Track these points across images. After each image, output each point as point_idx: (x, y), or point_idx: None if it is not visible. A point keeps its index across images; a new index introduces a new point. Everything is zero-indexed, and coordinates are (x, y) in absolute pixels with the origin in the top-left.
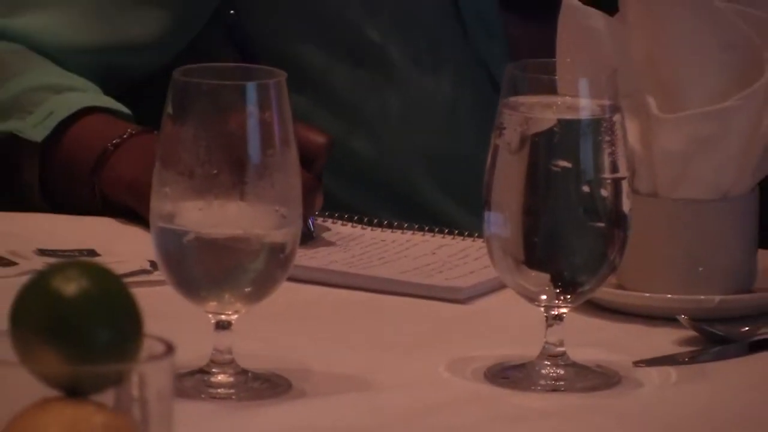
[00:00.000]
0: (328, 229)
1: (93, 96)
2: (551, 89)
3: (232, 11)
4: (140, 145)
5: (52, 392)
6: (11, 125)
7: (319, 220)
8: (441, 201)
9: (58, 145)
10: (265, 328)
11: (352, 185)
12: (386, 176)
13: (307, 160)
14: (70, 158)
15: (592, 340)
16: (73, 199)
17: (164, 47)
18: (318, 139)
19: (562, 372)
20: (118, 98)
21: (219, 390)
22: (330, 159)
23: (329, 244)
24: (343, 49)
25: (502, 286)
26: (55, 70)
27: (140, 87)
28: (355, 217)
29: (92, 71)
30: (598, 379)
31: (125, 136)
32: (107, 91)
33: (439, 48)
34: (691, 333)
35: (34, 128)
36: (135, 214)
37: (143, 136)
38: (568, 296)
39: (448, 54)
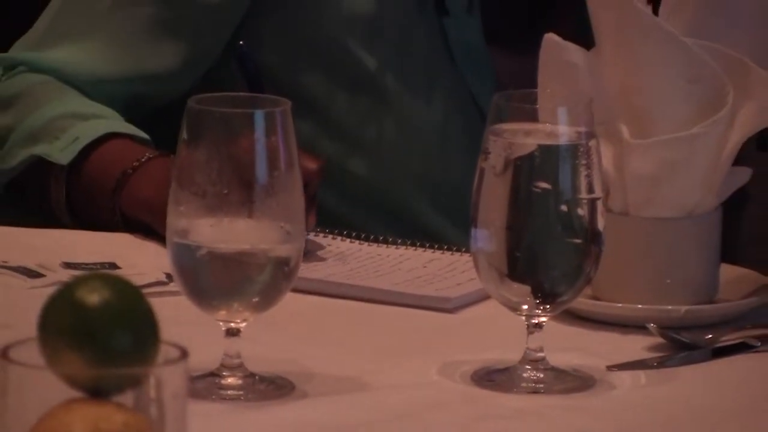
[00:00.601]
0: (329, 245)
1: (115, 123)
2: (533, 117)
3: (241, 42)
4: (157, 168)
5: (77, 393)
6: (40, 149)
7: (320, 236)
8: (432, 218)
9: (82, 167)
10: (271, 334)
11: (352, 204)
12: (382, 195)
13: None
14: (93, 180)
15: (569, 346)
16: (95, 217)
17: (181, 77)
18: (310, 164)
19: (541, 375)
20: (138, 124)
21: (229, 391)
22: (332, 179)
23: (329, 258)
24: (342, 78)
25: (487, 297)
26: (81, 100)
27: (158, 113)
28: (353, 234)
29: (115, 100)
30: (574, 381)
31: (143, 160)
32: (129, 118)
33: (430, 78)
34: (659, 340)
35: (61, 152)
36: (151, 230)
37: (160, 160)
38: (548, 306)
39: (439, 83)
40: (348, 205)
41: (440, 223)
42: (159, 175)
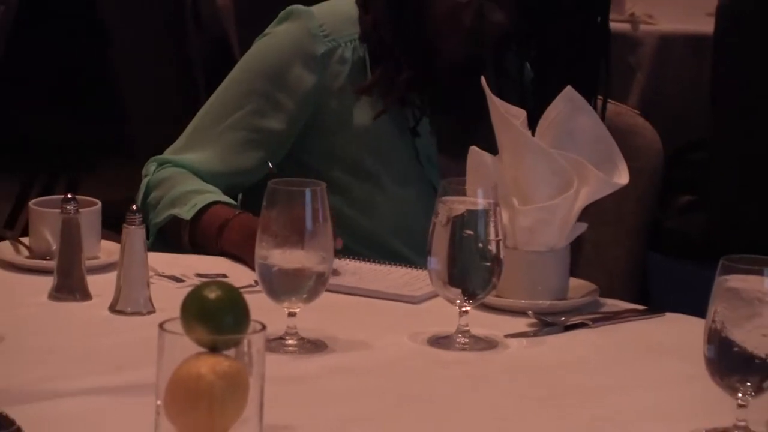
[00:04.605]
0: (347, 264)
1: (217, 196)
2: (463, 194)
3: (272, 167)
4: (242, 220)
5: (202, 350)
6: (175, 211)
7: (344, 260)
8: (408, 253)
9: (199, 221)
10: (313, 316)
11: (363, 244)
12: (379, 239)
13: None
14: (204, 229)
15: (483, 323)
16: (207, 250)
17: (259, 173)
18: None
19: (467, 340)
20: (234, 197)
21: (289, 348)
22: (350, 231)
23: (347, 271)
24: (355, 173)
25: (436, 295)
26: (199, 183)
27: (252, 191)
28: (362, 258)
29: (222, 184)
30: (485, 344)
31: (234, 215)
32: (230, 194)
33: (406, 173)
34: (534, 320)
35: (186, 212)
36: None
37: (243, 215)
38: (471, 301)
39: (411, 176)
40: (359, 245)
41: (411, 255)
42: (243, 224)
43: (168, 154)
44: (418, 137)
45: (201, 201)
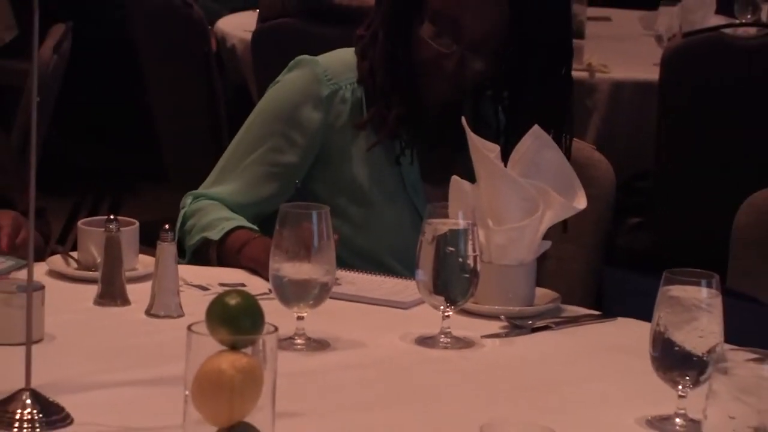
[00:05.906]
0: (346, 275)
1: (241, 222)
2: (446, 216)
3: (297, 182)
4: (259, 243)
5: (223, 348)
6: (206, 234)
7: (343, 271)
8: (397, 266)
9: (224, 242)
10: (318, 319)
11: (358, 259)
12: (372, 255)
13: None
14: (229, 247)
15: (462, 326)
16: (230, 265)
17: (278, 201)
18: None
19: (449, 340)
20: (255, 221)
21: (298, 346)
22: (347, 247)
23: (346, 281)
24: (352, 198)
25: (422, 302)
26: (227, 211)
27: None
28: (359, 271)
29: (246, 213)
30: (464, 343)
31: (253, 238)
32: (252, 220)
33: (393, 197)
34: (506, 323)
35: (216, 234)
36: (256, 272)
37: (260, 239)
38: (452, 307)
39: (398, 200)
40: (356, 259)
41: (401, 268)
42: (260, 244)
43: (201, 189)
44: (402, 167)
45: (228, 225)
